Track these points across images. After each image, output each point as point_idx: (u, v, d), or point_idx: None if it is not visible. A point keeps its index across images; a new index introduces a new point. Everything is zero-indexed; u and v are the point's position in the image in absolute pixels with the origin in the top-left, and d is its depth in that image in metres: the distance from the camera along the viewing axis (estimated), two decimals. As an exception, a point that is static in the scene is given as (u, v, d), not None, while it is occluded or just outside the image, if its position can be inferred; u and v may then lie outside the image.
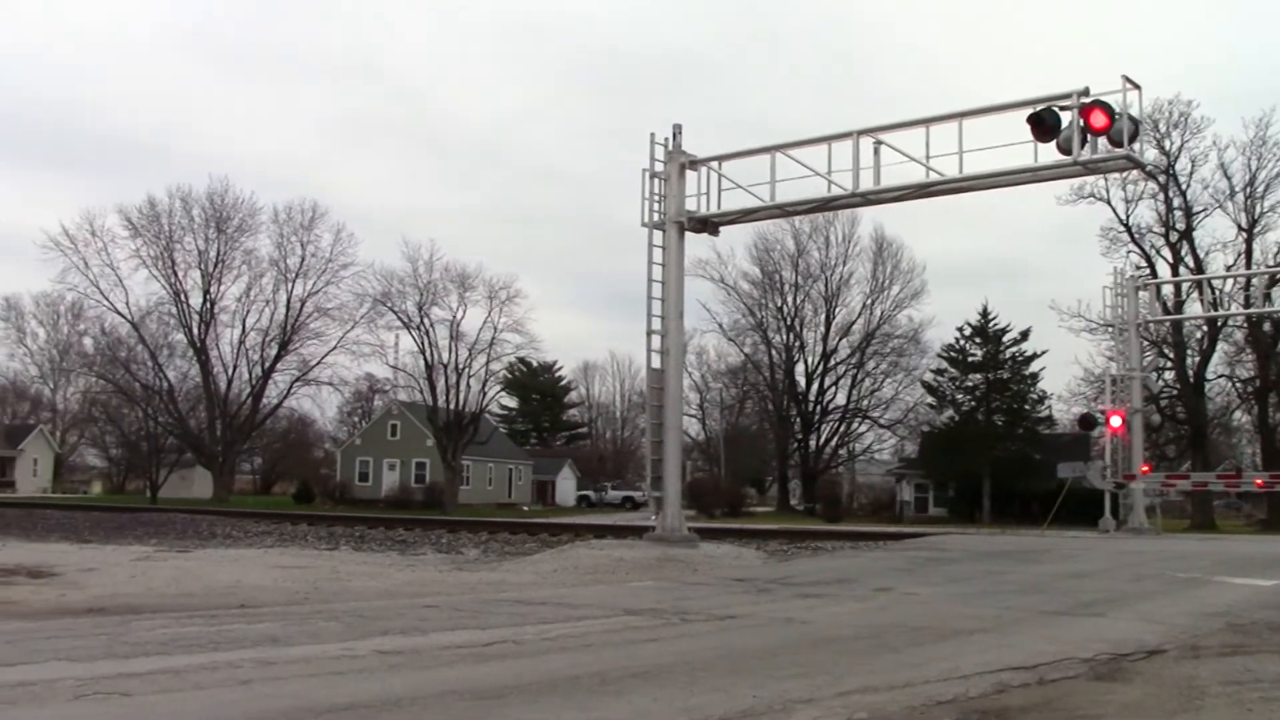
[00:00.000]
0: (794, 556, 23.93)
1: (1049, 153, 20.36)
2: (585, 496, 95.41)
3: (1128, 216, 63.56)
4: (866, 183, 22.64)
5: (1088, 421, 44.20)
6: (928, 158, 21.96)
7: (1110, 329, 44.65)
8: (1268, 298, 53.44)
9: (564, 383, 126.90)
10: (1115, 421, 38.73)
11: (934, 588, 16.80)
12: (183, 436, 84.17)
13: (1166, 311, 54.32)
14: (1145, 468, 40.88)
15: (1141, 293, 41.76)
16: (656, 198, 24.68)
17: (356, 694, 7.61)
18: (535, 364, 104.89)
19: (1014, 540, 28.78)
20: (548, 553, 23.37)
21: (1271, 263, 60.30)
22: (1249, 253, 62.24)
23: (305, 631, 11.03)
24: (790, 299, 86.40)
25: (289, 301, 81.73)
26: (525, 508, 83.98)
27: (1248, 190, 62.24)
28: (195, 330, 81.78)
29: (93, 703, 7.13)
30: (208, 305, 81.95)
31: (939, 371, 78.52)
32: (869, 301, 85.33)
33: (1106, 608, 14.23)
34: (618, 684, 8.31)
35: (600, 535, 29.51)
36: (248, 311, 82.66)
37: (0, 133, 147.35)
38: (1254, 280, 55.09)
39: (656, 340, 24.61)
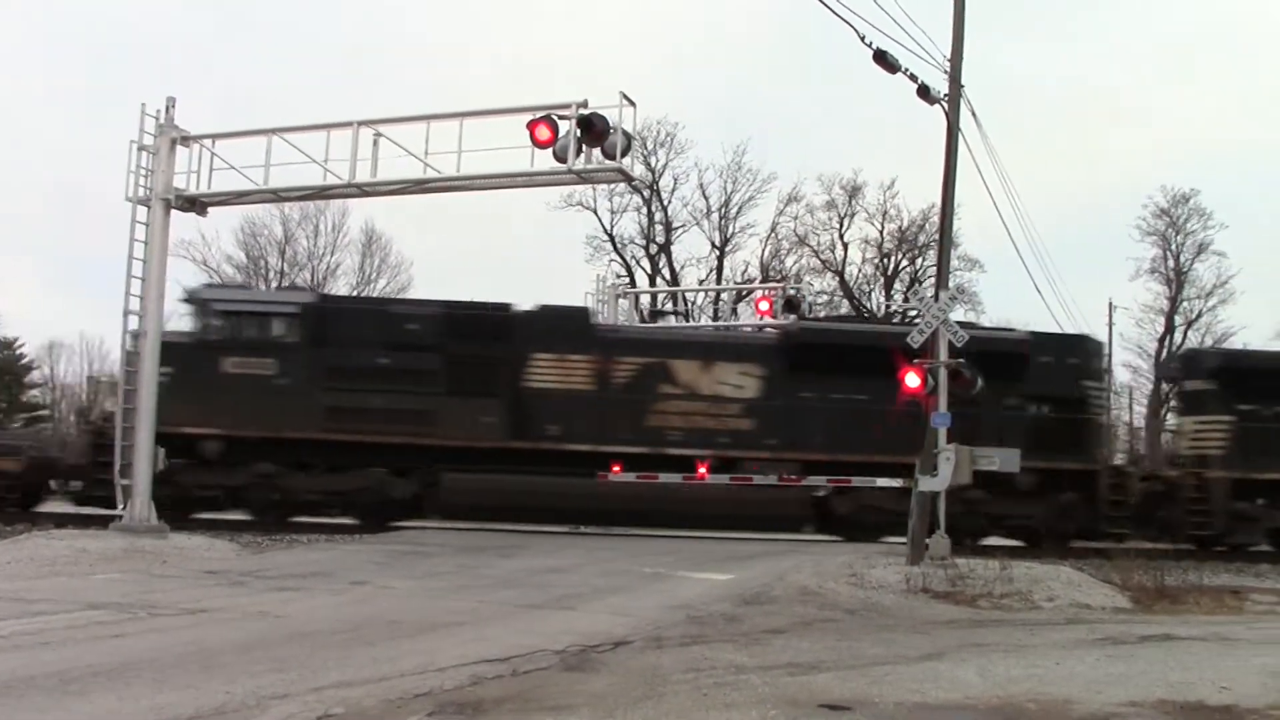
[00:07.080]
0: (269, 549, 23.43)
1: (546, 159, 20.77)
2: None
3: (612, 227, 66.26)
4: (364, 174, 22.42)
5: None
6: (426, 154, 22.00)
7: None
8: (734, 311, 57.22)
9: (25, 361, 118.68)
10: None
11: (412, 582, 16.86)
12: None
13: (644, 320, 57.19)
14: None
15: (622, 300, 43.70)
16: (144, 172, 23.51)
17: None
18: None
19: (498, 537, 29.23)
20: (2, 543, 21.78)
21: (739, 279, 64.73)
22: (720, 269, 66.47)
23: None
24: (275, 285, 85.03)
25: None
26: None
27: (723, 211, 66.48)
28: None
29: None
30: None
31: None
32: (356, 292, 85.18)
33: (578, 601, 14.77)
34: (80, 683, 7.88)
35: (61, 524, 27.80)
36: None
37: None
38: (723, 295, 59.71)
39: (134, 321, 23.45)
